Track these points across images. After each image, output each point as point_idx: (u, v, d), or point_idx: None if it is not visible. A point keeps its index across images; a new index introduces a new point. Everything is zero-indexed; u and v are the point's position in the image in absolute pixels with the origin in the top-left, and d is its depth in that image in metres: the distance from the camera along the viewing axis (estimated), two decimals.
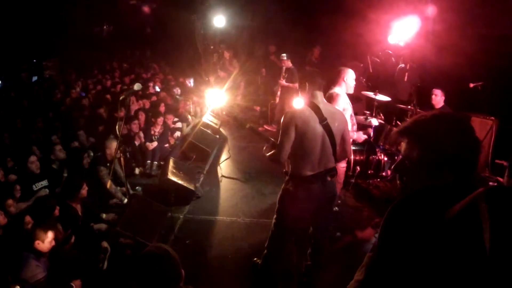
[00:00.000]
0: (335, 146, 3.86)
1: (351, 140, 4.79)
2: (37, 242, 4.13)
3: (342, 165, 5.54)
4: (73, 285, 4.38)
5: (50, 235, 4.22)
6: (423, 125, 1.53)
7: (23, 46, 14.94)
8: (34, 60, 15.96)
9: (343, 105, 5.22)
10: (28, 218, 4.72)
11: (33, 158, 6.09)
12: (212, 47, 14.99)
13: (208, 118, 9.70)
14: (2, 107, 9.92)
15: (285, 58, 9.98)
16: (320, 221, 4.22)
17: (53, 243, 4.26)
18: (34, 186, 5.98)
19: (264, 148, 4.21)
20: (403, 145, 1.57)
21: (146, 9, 16.28)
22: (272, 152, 4.02)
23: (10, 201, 5.11)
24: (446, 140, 1.47)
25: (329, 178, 3.95)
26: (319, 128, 3.75)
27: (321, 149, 3.81)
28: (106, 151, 6.70)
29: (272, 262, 4.46)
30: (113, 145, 6.61)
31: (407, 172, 1.58)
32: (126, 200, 6.42)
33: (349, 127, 4.98)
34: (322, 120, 3.76)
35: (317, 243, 4.33)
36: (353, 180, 6.90)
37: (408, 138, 1.55)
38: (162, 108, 9.61)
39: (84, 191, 5.59)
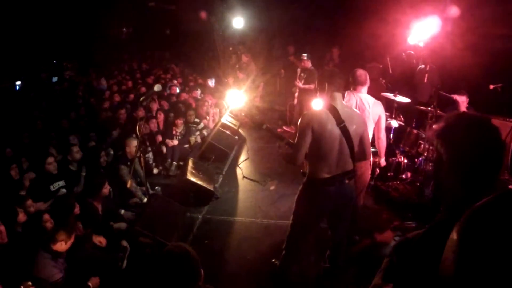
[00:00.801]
0: (352, 148, 3.84)
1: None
2: (60, 243, 4.19)
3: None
4: (90, 284, 4.45)
5: (72, 237, 4.29)
6: (450, 124, 1.53)
7: (43, 47, 15.14)
8: (54, 61, 16.17)
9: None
10: (46, 216, 4.78)
11: (50, 159, 6.16)
12: (230, 48, 15.01)
13: (227, 119, 9.72)
14: (22, 107, 10.09)
15: (305, 58, 9.91)
16: (338, 224, 4.21)
17: (69, 244, 4.33)
18: (51, 187, 6.06)
19: (278, 146, 4.22)
20: (436, 145, 1.56)
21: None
22: (288, 153, 4.03)
23: (29, 202, 5.16)
24: (471, 139, 1.46)
25: (346, 181, 3.93)
26: (336, 131, 3.74)
27: (339, 152, 3.79)
28: (126, 150, 6.77)
29: (290, 264, 4.46)
30: (133, 143, 6.68)
31: (438, 171, 1.58)
32: (145, 200, 6.47)
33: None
34: (340, 122, 3.74)
35: (336, 246, 4.33)
36: (372, 182, 6.84)
37: (438, 138, 1.54)
38: (181, 109, 9.71)
39: (106, 190, 5.68)
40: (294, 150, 3.88)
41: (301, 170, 4.12)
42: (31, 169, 6.34)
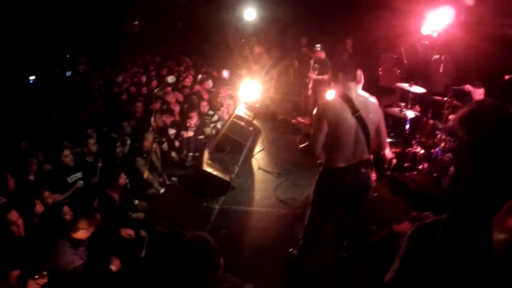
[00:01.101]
0: (369, 137, 3.82)
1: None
2: (81, 231, 4.23)
3: None
4: (113, 268, 4.51)
5: (93, 226, 4.34)
6: (472, 111, 1.53)
7: (56, 42, 15.18)
8: (68, 56, 16.23)
9: None
10: (66, 209, 4.85)
11: (66, 152, 6.23)
12: (243, 40, 14.98)
13: (241, 110, 9.73)
14: (37, 102, 10.19)
15: (319, 49, 9.85)
16: (355, 213, 4.21)
17: (91, 232, 4.38)
18: (68, 179, 6.12)
19: (298, 140, 4.23)
20: (457, 132, 1.56)
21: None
22: (305, 144, 4.03)
23: (47, 193, 5.24)
24: (492, 126, 1.46)
25: (363, 170, 3.92)
26: (352, 120, 3.73)
27: (355, 141, 3.78)
28: (143, 143, 6.83)
29: (307, 253, 4.48)
30: (151, 138, 6.74)
31: (458, 159, 1.59)
32: (162, 190, 6.53)
33: None
34: (355, 112, 3.73)
35: (353, 235, 4.33)
36: (389, 173, 6.82)
37: (459, 124, 1.54)
38: (194, 100, 9.74)
39: (122, 180, 5.74)
40: (311, 141, 3.88)
41: (318, 161, 4.12)
42: (47, 162, 6.42)
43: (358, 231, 4.30)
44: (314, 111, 3.87)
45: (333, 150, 3.84)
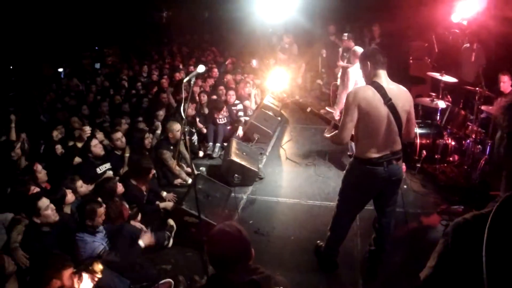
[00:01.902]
0: (401, 127, 3.73)
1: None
2: (87, 220, 4.29)
3: None
4: (142, 243, 4.63)
5: (102, 210, 4.38)
6: None
7: (85, 34, 15.34)
8: (96, 48, 16.42)
9: None
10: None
11: (94, 142, 6.29)
12: (270, 29, 14.87)
13: (269, 100, 9.70)
14: (67, 94, 10.34)
15: (346, 38, 9.74)
16: (385, 205, 4.14)
17: (104, 217, 4.43)
18: (98, 169, 6.18)
19: (326, 130, 4.17)
20: (499, 121, 1.51)
21: None
22: (334, 133, 3.97)
23: (79, 182, 5.30)
24: None
25: (394, 162, 3.84)
26: (383, 109, 3.64)
27: (386, 131, 3.69)
28: (169, 134, 6.86)
29: (335, 245, 4.43)
30: (176, 128, 6.76)
31: (499, 149, 1.53)
32: (190, 181, 6.56)
33: None
34: (387, 100, 3.64)
35: (382, 228, 4.25)
36: (419, 165, 6.71)
37: (501, 113, 1.49)
38: (222, 91, 9.73)
39: (151, 174, 5.81)
40: (340, 129, 3.80)
41: (348, 152, 4.06)
42: (79, 153, 6.51)
43: (387, 223, 4.22)
44: (345, 100, 3.80)
45: (364, 140, 3.78)
